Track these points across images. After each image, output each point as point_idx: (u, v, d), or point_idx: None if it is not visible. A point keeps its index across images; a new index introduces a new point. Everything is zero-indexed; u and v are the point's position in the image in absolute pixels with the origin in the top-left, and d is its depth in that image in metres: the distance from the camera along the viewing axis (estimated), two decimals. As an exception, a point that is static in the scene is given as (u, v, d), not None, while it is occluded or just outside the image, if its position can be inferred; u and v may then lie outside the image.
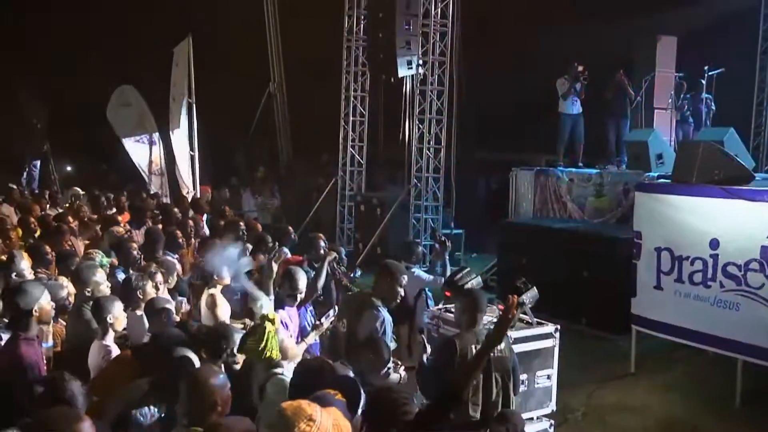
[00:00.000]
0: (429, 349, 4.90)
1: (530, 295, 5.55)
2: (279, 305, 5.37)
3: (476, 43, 13.50)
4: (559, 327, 5.69)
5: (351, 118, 14.55)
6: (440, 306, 6.25)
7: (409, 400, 3.01)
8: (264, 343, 3.94)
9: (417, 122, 12.60)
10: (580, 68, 12.11)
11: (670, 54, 13.30)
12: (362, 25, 14.40)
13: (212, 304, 6.20)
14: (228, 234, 7.69)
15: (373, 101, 14.70)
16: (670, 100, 12.20)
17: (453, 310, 6.30)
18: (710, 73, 11.73)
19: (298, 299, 5.51)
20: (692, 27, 13.39)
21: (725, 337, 7.08)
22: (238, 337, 4.07)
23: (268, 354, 3.94)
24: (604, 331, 9.08)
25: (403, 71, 13.39)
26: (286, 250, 6.56)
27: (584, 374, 7.83)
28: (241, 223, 8.13)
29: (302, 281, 5.50)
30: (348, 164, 14.63)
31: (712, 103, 12.86)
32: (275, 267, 5.46)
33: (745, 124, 14.10)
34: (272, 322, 4.09)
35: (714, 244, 7.15)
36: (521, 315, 5.62)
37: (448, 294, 6.00)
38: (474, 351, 4.33)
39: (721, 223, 7.16)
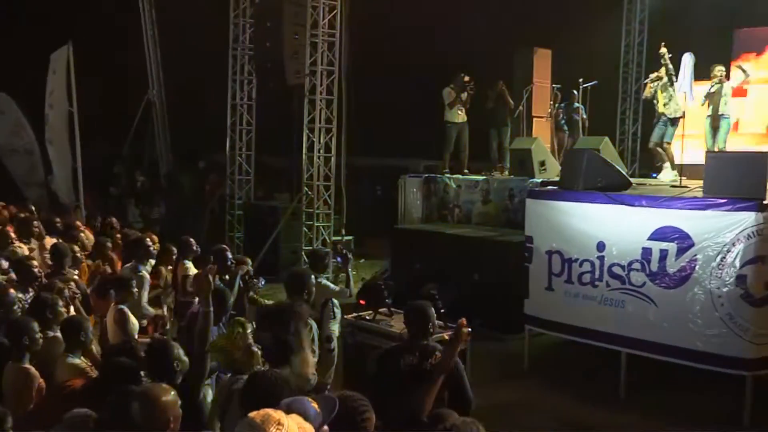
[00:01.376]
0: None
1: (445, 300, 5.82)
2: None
3: (364, 51, 13.72)
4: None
5: (238, 127, 14.47)
6: (354, 314, 6.40)
7: (369, 407, 3.14)
8: (234, 342, 4.02)
9: (307, 131, 12.67)
10: (466, 78, 12.60)
11: (545, 65, 14.04)
12: (248, 34, 14.37)
13: (122, 320, 6.12)
14: (137, 249, 7.52)
15: (260, 109, 14.66)
16: (550, 110, 12.88)
17: (367, 317, 6.53)
18: (584, 86, 12.47)
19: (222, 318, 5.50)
20: (566, 40, 14.17)
21: (611, 333, 7.63)
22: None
23: (236, 355, 4.02)
24: (498, 332, 9.49)
25: (291, 80, 13.52)
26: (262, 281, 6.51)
27: (481, 374, 8.16)
28: (148, 239, 7.96)
29: (229, 299, 5.51)
30: (236, 173, 14.53)
31: (584, 113, 13.70)
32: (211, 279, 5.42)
33: (611, 132, 15.10)
34: (242, 324, 4.17)
35: (600, 246, 7.69)
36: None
37: (362, 302, 6.17)
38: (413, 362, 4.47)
39: (606, 227, 7.70)
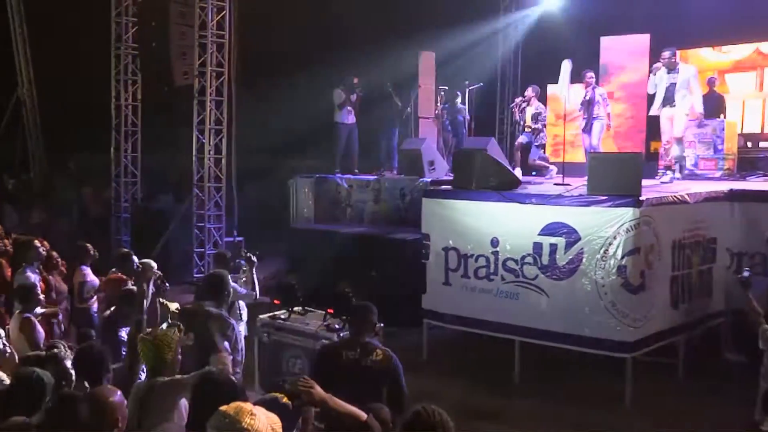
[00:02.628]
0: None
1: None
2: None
3: (253, 52, 13.75)
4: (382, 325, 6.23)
5: (123, 128, 14.14)
6: (269, 314, 6.53)
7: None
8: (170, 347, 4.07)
9: (196, 132, 12.58)
10: (355, 80, 12.88)
11: (430, 67, 14.54)
12: (131, 33, 14.04)
13: (30, 329, 5.98)
14: (27, 254, 7.31)
15: (146, 110, 14.36)
16: (436, 111, 13.35)
17: (282, 316, 6.68)
18: (470, 88, 13.02)
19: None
20: (450, 44, 14.73)
21: (507, 323, 8.12)
22: None
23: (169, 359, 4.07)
24: (396, 326, 9.79)
25: (179, 81, 13.37)
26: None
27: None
28: (36, 242, 7.73)
29: (142, 301, 5.51)
30: (122, 175, 14.19)
31: (466, 113, 14.28)
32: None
33: (491, 133, 15.82)
34: (180, 330, 4.22)
35: (494, 242, 8.15)
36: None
37: (276, 302, 6.31)
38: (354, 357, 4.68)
39: (499, 224, 8.18)
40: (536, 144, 12.07)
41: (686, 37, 14.34)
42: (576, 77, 11.60)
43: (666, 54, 10.19)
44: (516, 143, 12.48)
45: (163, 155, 16.36)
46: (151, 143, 14.86)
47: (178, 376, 4.02)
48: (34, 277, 7.13)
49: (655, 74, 10.39)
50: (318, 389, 3.41)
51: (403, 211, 11.55)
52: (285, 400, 2.96)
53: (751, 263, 8.61)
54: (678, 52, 10.43)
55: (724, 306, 8.67)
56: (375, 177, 12.34)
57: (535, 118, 11.95)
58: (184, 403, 3.82)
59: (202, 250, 12.77)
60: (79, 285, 7.58)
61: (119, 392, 3.39)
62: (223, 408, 2.64)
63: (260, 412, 2.65)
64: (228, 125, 12.71)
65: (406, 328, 9.66)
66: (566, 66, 9.94)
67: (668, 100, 10.07)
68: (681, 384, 7.97)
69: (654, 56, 14.12)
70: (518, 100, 12.41)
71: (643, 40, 14.25)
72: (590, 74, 11.78)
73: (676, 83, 9.98)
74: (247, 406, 2.65)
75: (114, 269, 7.27)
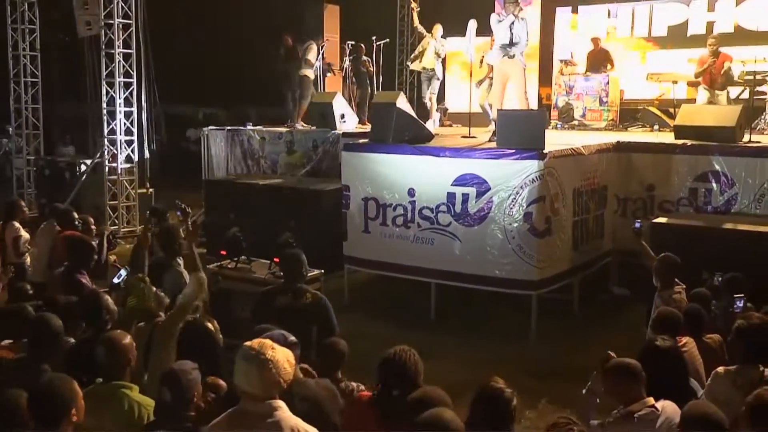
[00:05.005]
0: None
1: None
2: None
3: (161, 4, 13.68)
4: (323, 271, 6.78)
5: (22, 79, 13.83)
6: (216, 264, 6.96)
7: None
8: (145, 297, 4.50)
9: (105, 85, 12.52)
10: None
11: (334, 21, 14.90)
12: (27, -20, 13.67)
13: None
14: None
15: (45, 61, 14.08)
16: (343, 64, 13.77)
17: (229, 266, 7.12)
18: (378, 43, 13.49)
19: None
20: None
21: (423, 267, 8.81)
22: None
23: (151, 305, 4.52)
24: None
25: (82, 32, 13.17)
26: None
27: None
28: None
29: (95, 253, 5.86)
30: (23, 126, 13.93)
31: (371, 65, 14.78)
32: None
33: (390, 84, 16.43)
34: (143, 280, 4.64)
35: (411, 192, 8.80)
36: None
37: (223, 253, 6.76)
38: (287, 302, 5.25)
39: (415, 175, 8.81)
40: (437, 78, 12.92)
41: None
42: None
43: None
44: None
45: (61, 106, 16.15)
46: (49, 93, 14.64)
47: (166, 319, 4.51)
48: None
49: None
50: None
51: (315, 162, 12.03)
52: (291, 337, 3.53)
53: (634, 207, 9.71)
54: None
55: (611, 246, 9.74)
56: (287, 129, 12.71)
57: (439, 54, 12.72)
58: None
59: (116, 202, 12.85)
60: (13, 240, 7.73)
61: (129, 336, 3.86)
62: (248, 343, 3.17)
63: (278, 346, 3.20)
64: (137, 77, 12.69)
65: (327, 274, 10.26)
66: (472, 25, 10.55)
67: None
68: (577, 316, 8.95)
69: (545, 11, 15.11)
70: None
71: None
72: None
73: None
74: (267, 341, 3.18)
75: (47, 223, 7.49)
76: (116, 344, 3.72)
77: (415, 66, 13.40)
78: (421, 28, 13.04)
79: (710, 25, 14.08)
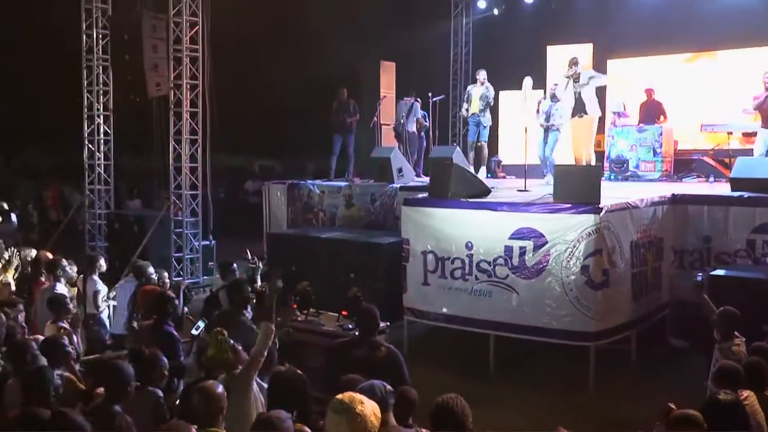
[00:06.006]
0: None
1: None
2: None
3: (226, 66, 14.38)
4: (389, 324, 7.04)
5: (96, 137, 14.59)
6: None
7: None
8: (225, 349, 4.83)
9: (173, 142, 13.14)
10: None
11: (390, 77, 15.40)
12: (101, 45, 14.49)
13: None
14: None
15: (117, 121, 14.86)
16: (402, 120, 14.18)
17: (299, 318, 7.45)
18: (433, 99, 13.91)
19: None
20: (411, 54, 15.63)
21: (481, 319, 9.03)
22: None
23: (229, 356, 4.84)
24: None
25: (152, 92, 13.87)
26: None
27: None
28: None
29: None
30: (96, 182, 14.65)
31: (426, 120, 15.18)
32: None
33: (444, 137, 16.84)
34: (221, 332, 4.97)
35: (469, 246, 9.06)
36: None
37: (294, 306, 7.10)
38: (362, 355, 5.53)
39: (473, 229, 9.08)
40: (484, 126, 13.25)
41: (624, 45, 15.61)
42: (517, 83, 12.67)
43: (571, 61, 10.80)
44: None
45: (129, 161, 16.92)
46: (118, 149, 15.39)
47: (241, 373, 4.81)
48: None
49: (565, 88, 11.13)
50: None
51: (374, 215, 12.38)
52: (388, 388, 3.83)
53: (690, 259, 9.78)
54: (579, 63, 11.08)
55: (669, 297, 9.81)
56: (346, 183, 13.12)
57: (484, 98, 13.10)
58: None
59: (181, 254, 13.36)
60: (93, 293, 8.20)
61: (221, 385, 4.19)
62: (339, 396, 3.45)
63: (366, 400, 3.46)
64: (203, 135, 13.29)
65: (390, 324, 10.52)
66: (527, 83, 10.88)
67: (577, 111, 10.57)
68: (635, 367, 9.01)
69: (597, 63, 15.37)
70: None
71: (586, 48, 15.40)
72: (552, 86, 12.74)
73: (580, 92, 10.60)
74: (357, 395, 3.45)
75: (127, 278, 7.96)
76: (210, 393, 4.05)
77: (463, 112, 13.80)
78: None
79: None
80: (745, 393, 4.96)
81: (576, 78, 10.25)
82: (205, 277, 13.72)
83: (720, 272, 8.48)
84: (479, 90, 13.32)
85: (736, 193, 9.63)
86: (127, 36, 13.90)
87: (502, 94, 14.80)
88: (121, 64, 14.04)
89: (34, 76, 17.05)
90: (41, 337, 5.87)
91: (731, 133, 13.57)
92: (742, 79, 14.36)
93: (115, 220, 14.44)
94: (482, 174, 12.70)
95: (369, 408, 3.41)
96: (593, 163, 11.92)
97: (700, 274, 7.79)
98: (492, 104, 13.47)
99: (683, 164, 14.29)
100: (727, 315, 6.41)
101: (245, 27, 15.62)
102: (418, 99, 14.38)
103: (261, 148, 20.52)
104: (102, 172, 14.75)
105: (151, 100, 14.10)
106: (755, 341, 6.22)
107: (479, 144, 13.52)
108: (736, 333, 6.37)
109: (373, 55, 15.75)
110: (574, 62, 10.50)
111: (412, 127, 14.27)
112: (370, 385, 3.91)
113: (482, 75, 13.40)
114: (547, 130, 12.30)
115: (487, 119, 13.40)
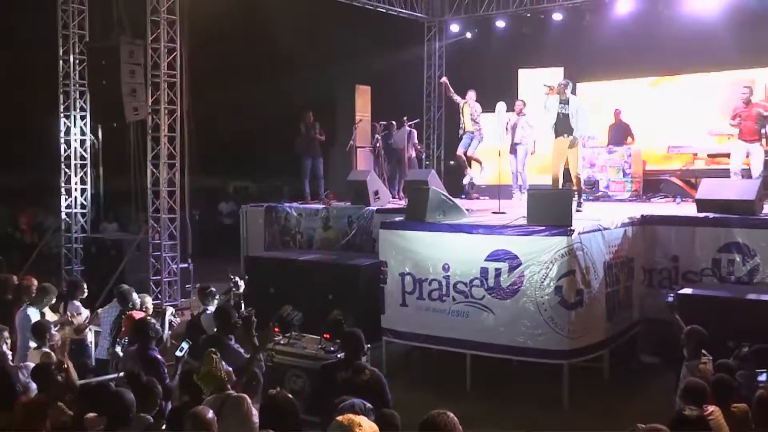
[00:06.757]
0: None
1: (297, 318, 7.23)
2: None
3: (202, 89, 14.55)
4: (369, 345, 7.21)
5: (72, 161, 14.65)
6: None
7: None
8: (218, 367, 4.98)
9: (151, 166, 13.24)
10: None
11: (365, 101, 15.67)
12: (78, 71, 14.59)
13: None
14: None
15: (94, 145, 14.94)
16: (376, 143, 14.45)
17: (281, 342, 7.61)
18: (408, 124, 14.19)
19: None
20: (385, 77, 15.93)
21: (458, 338, 9.23)
22: None
23: (222, 374, 5.00)
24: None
25: (130, 117, 14.01)
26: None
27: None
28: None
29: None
30: (73, 206, 14.69)
31: (403, 143, 15.44)
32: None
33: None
34: (214, 352, 5.12)
35: (446, 267, 9.28)
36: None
37: (276, 330, 7.26)
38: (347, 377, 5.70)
39: (449, 251, 9.30)
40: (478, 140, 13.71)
41: (593, 70, 16.04)
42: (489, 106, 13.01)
43: (562, 83, 11.25)
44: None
45: (105, 184, 16.98)
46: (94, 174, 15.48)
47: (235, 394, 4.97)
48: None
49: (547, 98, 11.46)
50: None
51: (351, 238, 12.58)
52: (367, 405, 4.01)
53: (659, 278, 10.10)
54: (571, 85, 11.51)
55: (639, 316, 10.11)
56: (323, 206, 13.31)
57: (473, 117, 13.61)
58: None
59: (158, 278, 13.43)
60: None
61: (212, 411, 4.34)
62: (339, 418, 3.60)
63: (364, 421, 3.61)
64: (181, 159, 13.40)
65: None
66: (501, 107, 11.20)
67: (563, 131, 11.04)
68: (608, 384, 9.27)
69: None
70: None
71: (557, 72, 15.77)
72: (518, 103, 13.19)
73: (568, 114, 11.06)
74: (356, 418, 3.61)
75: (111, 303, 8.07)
76: (201, 418, 4.20)
77: (461, 129, 14.18)
78: (456, 98, 13.81)
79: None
80: (711, 408, 5.22)
81: (565, 101, 10.64)
82: (182, 300, 13.78)
83: (687, 291, 8.79)
84: (467, 110, 13.76)
85: (702, 214, 9.97)
86: (105, 61, 14.06)
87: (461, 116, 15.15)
88: (98, 89, 14.17)
89: (9, 100, 17.07)
90: (31, 364, 5.96)
91: (696, 154, 14.00)
92: (705, 102, 14.87)
93: (92, 243, 14.46)
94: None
95: (367, 429, 3.57)
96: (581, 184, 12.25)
97: (671, 294, 8.08)
98: (477, 120, 13.81)
99: (652, 184, 14.71)
100: (694, 333, 6.69)
101: (222, 52, 15.81)
102: (410, 125, 14.75)
103: (235, 169, 20.69)
104: (78, 195, 14.78)
105: (128, 124, 14.24)
106: (721, 357, 6.52)
107: (468, 154, 13.89)
108: (703, 351, 6.65)
109: (347, 79, 16.03)
110: (565, 85, 10.90)
111: (412, 152, 14.67)
112: (351, 404, 4.08)
113: (468, 95, 13.80)
114: (515, 146, 12.68)
115: (480, 135, 13.83)
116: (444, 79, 13.89)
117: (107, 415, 4.78)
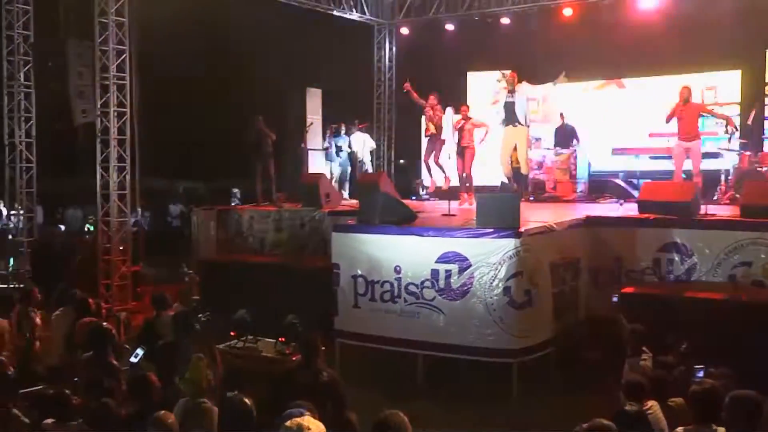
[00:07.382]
0: None
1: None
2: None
3: (151, 91, 14.46)
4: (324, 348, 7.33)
5: (18, 164, 14.45)
6: (226, 344, 7.52)
7: None
8: (203, 376, 5.05)
9: (101, 170, 13.12)
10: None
11: (316, 103, 15.78)
12: (23, 72, 14.39)
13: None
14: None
15: (41, 148, 14.75)
16: (326, 145, 14.57)
17: (238, 346, 7.66)
18: (360, 125, 14.34)
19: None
20: (335, 80, 16.06)
21: (410, 339, 9.42)
22: None
23: (208, 380, 5.07)
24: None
25: (78, 119, 13.87)
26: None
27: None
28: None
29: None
30: (19, 210, 14.49)
31: (349, 146, 15.61)
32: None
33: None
34: (202, 359, 5.19)
35: (397, 269, 9.46)
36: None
37: (233, 334, 7.34)
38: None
39: (401, 254, 9.49)
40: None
41: (541, 73, 16.38)
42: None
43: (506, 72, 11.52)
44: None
45: (53, 185, 16.76)
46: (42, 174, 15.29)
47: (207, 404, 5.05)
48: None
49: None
50: None
51: (302, 240, 12.66)
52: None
53: (603, 278, 10.42)
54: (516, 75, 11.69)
55: (585, 314, 10.42)
56: (275, 208, 13.36)
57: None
58: None
59: (108, 282, 13.32)
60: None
61: (173, 416, 4.43)
62: (288, 423, 3.73)
63: (314, 423, 3.75)
64: (131, 162, 13.31)
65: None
66: (449, 111, 11.43)
67: (510, 120, 11.20)
68: (555, 381, 9.52)
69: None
70: None
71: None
72: (464, 107, 13.44)
73: (514, 103, 11.21)
74: (304, 421, 3.75)
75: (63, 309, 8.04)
76: (164, 423, 4.29)
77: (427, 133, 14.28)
78: (420, 101, 13.91)
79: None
80: (650, 403, 5.49)
81: (512, 91, 10.92)
82: (133, 303, 13.69)
83: (628, 289, 9.13)
84: (430, 113, 13.87)
85: (643, 215, 10.33)
86: (52, 63, 13.89)
87: (423, 119, 15.33)
88: (45, 91, 14.00)
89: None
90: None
91: (638, 156, 14.45)
92: (647, 106, 15.35)
93: (40, 246, 14.28)
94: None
95: (312, 427, 3.71)
96: (525, 169, 12.53)
97: (616, 295, 8.39)
98: (440, 124, 13.91)
99: (597, 186, 15.11)
100: (636, 332, 7.00)
101: (172, 54, 15.74)
102: (361, 127, 14.87)
103: (184, 170, 20.53)
104: (25, 199, 14.57)
105: (76, 127, 14.09)
106: (661, 353, 6.83)
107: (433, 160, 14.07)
108: (644, 348, 6.95)
109: (298, 81, 16.10)
110: (512, 76, 11.17)
111: (368, 157, 14.82)
112: (289, 413, 4.18)
113: (430, 99, 13.88)
114: (462, 149, 12.95)
115: (443, 135, 13.87)
116: (407, 84, 13.90)
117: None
